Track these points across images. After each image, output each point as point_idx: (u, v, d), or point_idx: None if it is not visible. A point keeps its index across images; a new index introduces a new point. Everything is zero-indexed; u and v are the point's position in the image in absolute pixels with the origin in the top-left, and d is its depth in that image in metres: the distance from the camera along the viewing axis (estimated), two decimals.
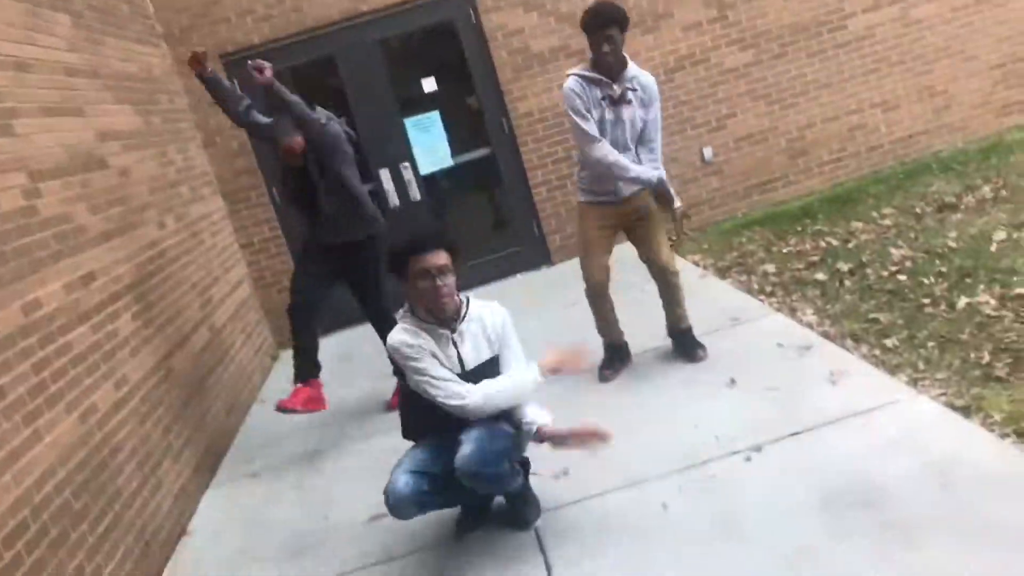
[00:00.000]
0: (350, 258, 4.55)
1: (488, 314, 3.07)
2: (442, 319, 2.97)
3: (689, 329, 4.31)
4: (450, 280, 2.94)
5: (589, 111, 3.89)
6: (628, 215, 4.14)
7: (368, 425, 4.62)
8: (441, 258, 2.92)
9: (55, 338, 3.37)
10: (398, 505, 2.89)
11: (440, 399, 2.89)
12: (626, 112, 3.94)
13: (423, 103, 6.71)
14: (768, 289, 5.04)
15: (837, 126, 7.15)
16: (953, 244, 4.81)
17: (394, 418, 4.74)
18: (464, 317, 3.01)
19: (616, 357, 4.29)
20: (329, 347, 6.65)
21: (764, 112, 7.07)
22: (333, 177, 4.37)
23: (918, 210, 5.70)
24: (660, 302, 4.31)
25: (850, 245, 5.39)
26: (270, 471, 4.43)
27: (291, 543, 3.56)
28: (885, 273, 4.70)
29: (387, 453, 4.11)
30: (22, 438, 2.95)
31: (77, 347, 3.52)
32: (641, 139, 4.01)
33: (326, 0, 6.52)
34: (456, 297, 3.01)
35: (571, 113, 3.93)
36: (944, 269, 4.48)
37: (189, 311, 4.99)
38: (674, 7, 6.85)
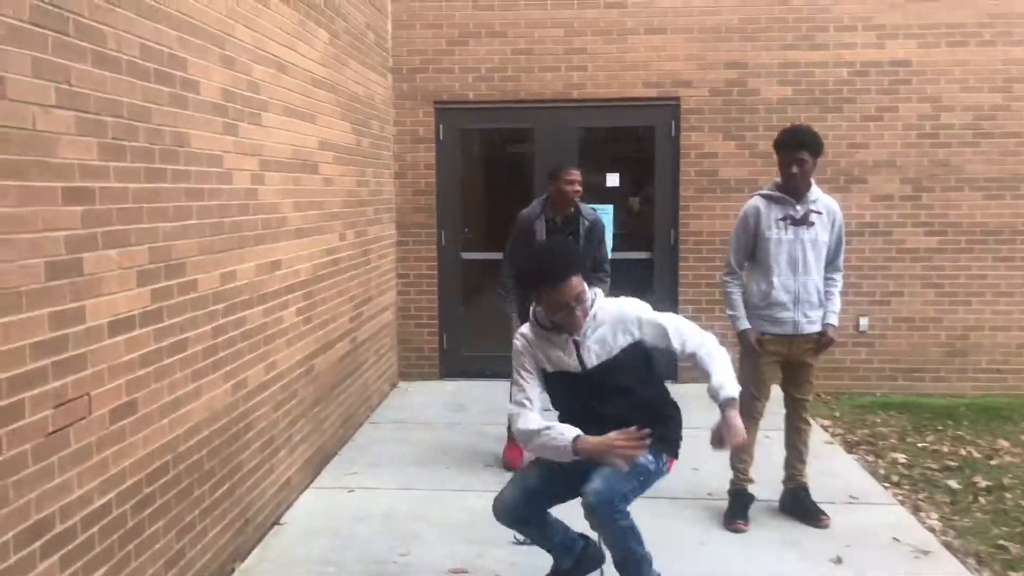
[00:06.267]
0: None
1: (618, 312, 2.97)
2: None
3: (807, 487, 4.23)
4: (585, 300, 2.87)
5: (754, 238, 4.05)
6: (799, 349, 4.10)
7: (474, 479, 4.74)
8: (574, 287, 2.82)
9: (236, 311, 3.68)
10: (500, 511, 3.08)
11: (510, 405, 3.04)
12: (806, 233, 4.01)
13: (600, 194, 6.93)
14: (895, 478, 4.88)
15: (1005, 337, 6.89)
16: None
17: (497, 478, 4.79)
18: (591, 327, 2.93)
19: (744, 505, 4.14)
20: (445, 396, 6.82)
21: (932, 301, 6.90)
22: None
23: None
24: (779, 452, 4.23)
25: (992, 462, 5.16)
26: (365, 491, 4.58)
27: (372, 567, 3.67)
28: None
29: (479, 515, 4.22)
30: (186, 391, 3.22)
31: (249, 324, 3.82)
32: (827, 263, 4.11)
33: (544, 79, 6.91)
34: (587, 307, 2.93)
35: (734, 232, 4.17)
36: None
37: (341, 320, 5.29)
38: (869, 175, 6.85)
